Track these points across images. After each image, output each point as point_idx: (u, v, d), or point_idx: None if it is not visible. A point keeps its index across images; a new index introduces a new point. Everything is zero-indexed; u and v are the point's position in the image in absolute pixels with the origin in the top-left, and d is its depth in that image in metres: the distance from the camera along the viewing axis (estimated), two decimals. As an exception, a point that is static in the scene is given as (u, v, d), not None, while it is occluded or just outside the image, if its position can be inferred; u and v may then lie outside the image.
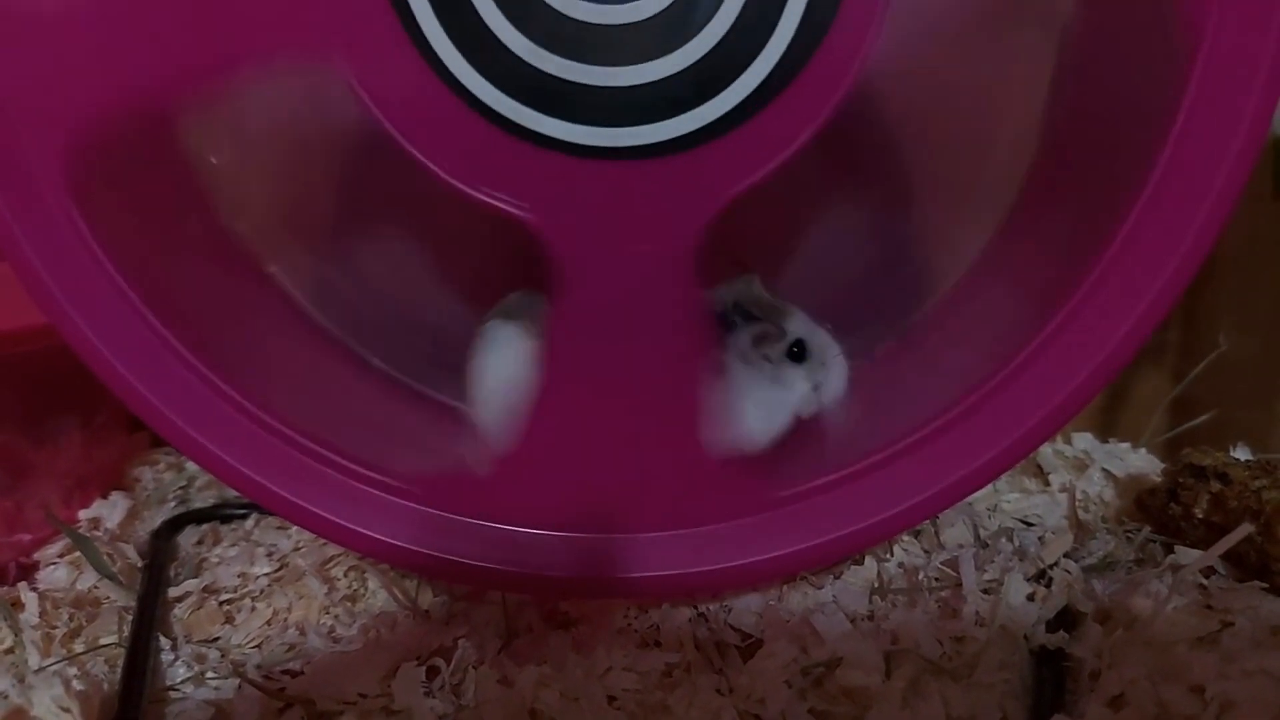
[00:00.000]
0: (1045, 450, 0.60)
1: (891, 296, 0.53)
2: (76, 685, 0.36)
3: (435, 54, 0.32)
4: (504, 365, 0.41)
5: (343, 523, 0.38)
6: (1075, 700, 0.36)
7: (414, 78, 0.32)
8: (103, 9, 0.33)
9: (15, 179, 0.33)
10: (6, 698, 0.35)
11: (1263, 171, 0.54)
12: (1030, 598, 0.42)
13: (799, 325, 0.41)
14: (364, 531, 0.38)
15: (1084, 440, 0.61)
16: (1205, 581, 0.43)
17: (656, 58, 0.33)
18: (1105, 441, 0.62)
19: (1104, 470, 0.57)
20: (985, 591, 0.42)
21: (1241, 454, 0.56)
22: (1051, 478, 0.57)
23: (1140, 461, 0.58)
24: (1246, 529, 0.40)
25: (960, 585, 0.42)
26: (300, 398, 0.40)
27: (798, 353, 0.41)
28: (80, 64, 0.33)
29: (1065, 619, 0.41)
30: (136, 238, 0.36)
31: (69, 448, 0.56)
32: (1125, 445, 0.61)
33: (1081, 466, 0.58)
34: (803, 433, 0.42)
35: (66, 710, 0.34)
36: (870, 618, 0.41)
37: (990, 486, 0.56)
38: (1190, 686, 0.35)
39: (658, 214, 0.36)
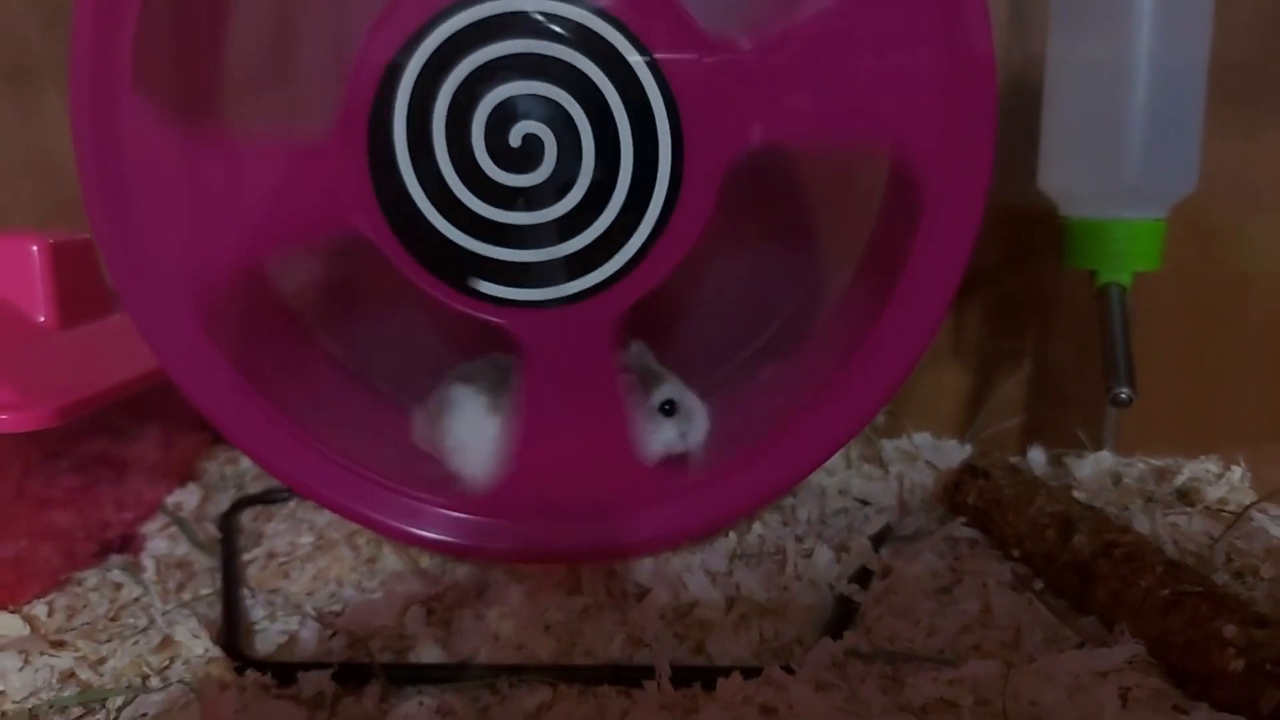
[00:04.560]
0: (888, 446, 0.79)
1: (778, 335, 0.71)
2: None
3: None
4: (467, 422, 0.58)
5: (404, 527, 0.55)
6: (850, 630, 0.55)
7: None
8: (236, 215, 0.51)
9: (163, 322, 0.51)
10: (154, 623, 0.54)
11: (1057, 248, 0.71)
12: (837, 560, 0.61)
13: (669, 390, 0.58)
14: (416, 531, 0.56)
15: (922, 438, 0.80)
16: (962, 550, 0.62)
17: (567, 240, 0.50)
18: (940, 439, 0.81)
19: (928, 462, 0.76)
20: (805, 556, 0.61)
21: (1037, 451, 0.76)
22: (891, 467, 0.75)
23: (961, 456, 0.77)
24: (959, 522, 0.60)
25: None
26: (366, 442, 0.58)
27: (668, 410, 0.58)
28: (208, 245, 0.51)
29: (863, 576, 0.60)
30: (247, 344, 0.54)
31: (154, 449, 0.74)
32: (954, 442, 0.80)
33: (913, 459, 0.77)
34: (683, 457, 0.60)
35: (198, 636, 0.52)
36: (729, 574, 0.60)
37: (842, 474, 0.75)
38: (915, 620, 0.54)
39: (585, 322, 0.53)
